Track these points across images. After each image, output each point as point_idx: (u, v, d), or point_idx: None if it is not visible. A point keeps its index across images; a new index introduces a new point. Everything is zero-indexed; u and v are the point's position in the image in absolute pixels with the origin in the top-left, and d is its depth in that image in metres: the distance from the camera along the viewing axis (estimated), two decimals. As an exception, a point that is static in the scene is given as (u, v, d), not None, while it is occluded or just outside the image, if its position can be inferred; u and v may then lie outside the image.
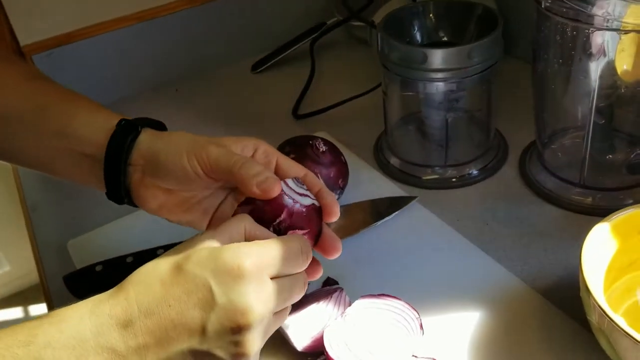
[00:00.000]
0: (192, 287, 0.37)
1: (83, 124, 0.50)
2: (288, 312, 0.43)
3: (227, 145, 0.47)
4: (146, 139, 0.48)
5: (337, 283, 0.58)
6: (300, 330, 0.50)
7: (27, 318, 1.94)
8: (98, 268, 0.60)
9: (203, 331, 0.37)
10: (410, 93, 0.70)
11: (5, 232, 1.85)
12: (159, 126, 0.51)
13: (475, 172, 0.70)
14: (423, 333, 0.49)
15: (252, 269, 0.37)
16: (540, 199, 0.67)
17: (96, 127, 0.50)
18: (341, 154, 0.67)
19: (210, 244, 0.39)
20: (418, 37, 0.70)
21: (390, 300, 0.51)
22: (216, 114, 0.89)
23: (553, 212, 0.65)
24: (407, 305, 0.51)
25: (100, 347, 0.36)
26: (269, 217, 0.43)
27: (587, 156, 0.62)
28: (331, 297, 0.53)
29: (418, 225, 0.65)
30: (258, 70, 0.97)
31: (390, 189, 0.70)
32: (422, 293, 0.55)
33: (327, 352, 0.48)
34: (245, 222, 0.42)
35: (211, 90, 0.95)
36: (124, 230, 0.68)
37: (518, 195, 0.68)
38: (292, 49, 0.97)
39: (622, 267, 0.52)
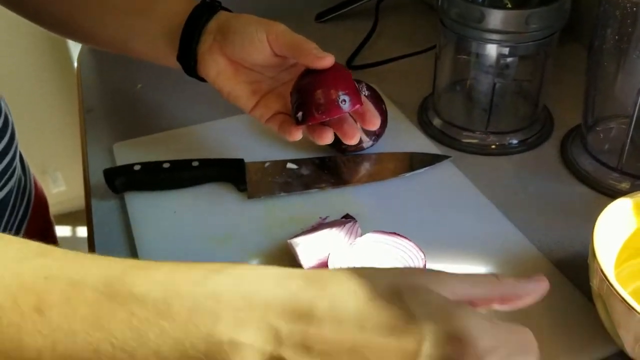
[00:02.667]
0: (403, 326, 0.29)
1: (166, 2, 0.59)
2: None
3: None
4: (224, 13, 0.57)
5: (355, 221, 0.60)
6: (309, 250, 0.52)
7: (74, 238, 2.05)
8: (136, 167, 0.64)
9: None
10: (464, 56, 0.70)
11: (65, 156, 1.95)
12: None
13: (515, 142, 0.70)
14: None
15: (484, 355, 0.28)
16: (575, 179, 0.66)
17: (180, 6, 0.58)
18: (383, 102, 0.68)
19: (443, 289, 0.31)
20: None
21: (399, 239, 0.53)
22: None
23: (586, 193, 0.65)
24: (415, 246, 0.52)
25: (266, 322, 0.29)
26: (328, 83, 0.53)
27: (629, 141, 0.61)
28: (344, 226, 0.54)
29: (447, 183, 0.65)
30: (322, 20, 0.99)
31: (427, 146, 0.71)
32: (434, 243, 0.56)
33: (330, 273, 0.49)
34: (504, 283, 0.35)
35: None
36: (166, 142, 0.72)
37: (554, 173, 0.68)
38: (359, 3, 0.98)
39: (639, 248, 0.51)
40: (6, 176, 0.60)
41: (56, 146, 1.93)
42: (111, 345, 0.29)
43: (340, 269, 0.32)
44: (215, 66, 0.56)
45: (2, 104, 0.61)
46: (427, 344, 0.28)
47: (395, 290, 0.30)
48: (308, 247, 0.52)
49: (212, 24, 0.56)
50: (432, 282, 0.31)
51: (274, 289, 0.30)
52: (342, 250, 0.51)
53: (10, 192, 0.63)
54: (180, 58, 0.58)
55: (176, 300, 0.29)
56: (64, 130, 1.89)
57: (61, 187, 2.11)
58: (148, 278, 0.30)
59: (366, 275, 0.31)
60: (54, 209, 1.62)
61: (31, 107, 1.71)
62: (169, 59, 0.59)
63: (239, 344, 0.29)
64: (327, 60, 0.52)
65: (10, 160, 0.61)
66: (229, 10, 0.59)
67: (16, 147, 0.63)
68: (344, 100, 0.53)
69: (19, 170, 0.66)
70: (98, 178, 0.66)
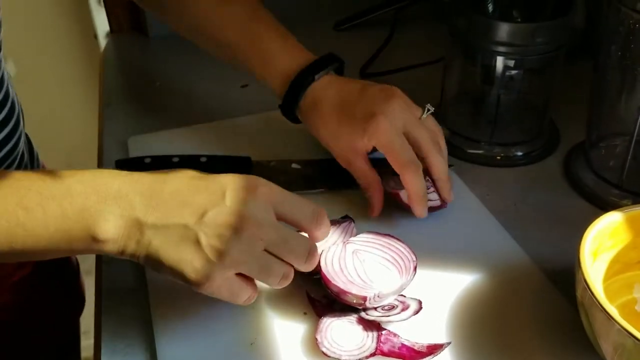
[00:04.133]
0: (211, 184, 0.44)
1: (274, 65, 0.64)
2: (280, 272, 0.47)
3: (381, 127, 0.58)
4: (316, 87, 0.63)
5: (351, 220, 0.61)
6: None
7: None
8: (147, 160, 0.66)
9: (202, 216, 0.43)
10: (471, 67, 0.71)
11: (88, 151, 2.00)
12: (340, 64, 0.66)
13: (520, 154, 0.71)
14: (414, 275, 0.51)
15: (264, 193, 0.45)
16: (575, 192, 0.66)
17: (288, 64, 0.64)
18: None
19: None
20: (490, 11, 0.71)
21: (392, 241, 0.54)
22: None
23: (585, 207, 0.65)
24: (407, 248, 0.53)
25: (121, 196, 0.43)
26: None
27: (630, 159, 0.62)
28: (339, 225, 0.56)
29: (447, 190, 0.66)
30: (340, 28, 1.01)
31: (432, 155, 0.72)
32: (429, 248, 0.57)
33: (321, 269, 0.51)
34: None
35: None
36: (178, 138, 0.74)
37: (555, 186, 0.68)
38: (377, 13, 0.99)
39: (630, 263, 0.52)
40: (7, 162, 0.62)
41: (79, 140, 1.98)
42: (7, 222, 0.41)
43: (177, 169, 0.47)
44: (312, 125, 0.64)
45: (10, 90, 0.62)
46: (227, 192, 0.44)
47: (211, 176, 0.46)
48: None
49: (304, 100, 0.63)
50: (260, 184, 0.45)
51: (126, 178, 0.44)
52: (335, 248, 0.53)
53: None
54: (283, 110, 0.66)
55: (53, 186, 0.42)
56: (87, 124, 1.93)
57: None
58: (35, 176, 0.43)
59: (201, 176, 0.46)
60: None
61: (54, 103, 1.76)
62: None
63: (103, 211, 0.42)
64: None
65: (13, 146, 0.62)
66: (339, 63, 0.67)
67: (20, 134, 0.64)
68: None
69: (25, 160, 0.67)
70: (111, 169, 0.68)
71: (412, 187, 0.57)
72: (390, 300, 0.50)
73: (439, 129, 0.62)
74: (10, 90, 0.62)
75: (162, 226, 0.43)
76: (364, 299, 0.49)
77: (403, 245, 0.53)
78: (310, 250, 0.48)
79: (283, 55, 0.64)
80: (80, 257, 0.81)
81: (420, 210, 0.58)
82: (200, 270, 0.42)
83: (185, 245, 0.42)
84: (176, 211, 0.43)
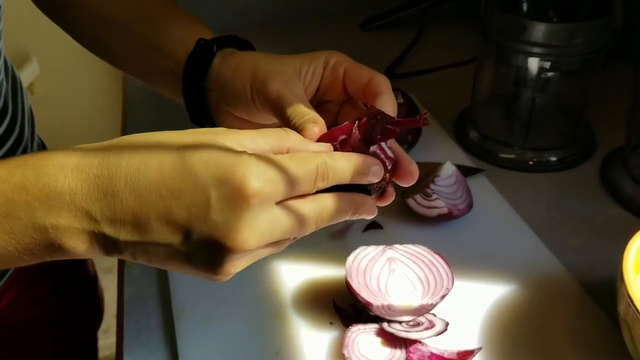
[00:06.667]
0: (190, 187, 0.32)
1: (173, 41, 0.49)
2: (289, 243, 0.37)
3: (296, 68, 0.44)
4: (218, 63, 0.47)
5: (381, 228, 0.59)
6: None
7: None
8: (169, 162, 0.65)
9: (188, 235, 0.33)
10: (504, 68, 0.69)
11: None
12: (245, 45, 0.50)
13: (554, 159, 0.68)
14: (440, 301, 0.49)
15: (257, 195, 0.32)
16: (613, 200, 0.64)
17: (182, 43, 0.49)
18: (418, 111, 0.68)
19: (232, 143, 0.34)
20: (525, 10, 0.68)
21: (438, 262, 0.51)
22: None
23: (624, 216, 0.62)
24: (449, 274, 0.50)
25: (75, 205, 0.32)
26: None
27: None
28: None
29: (477, 196, 0.64)
30: (366, 28, 0.99)
31: (462, 159, 0.70)
32: (461, 257, 0.55)
33: (348, 282, 0.49)
34: (291, 136, 0.37)
35: (318, 37, 0.98)
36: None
37: (592, 194, 0.65)
38: (404, 12, 0.97)
39: (675, 277, 0.49)
40: None
41: (102, 140, 1.99)
42: None
43: (129, 139, 0.34)
44: (226, 120, 0.47)
45: (10, 103, 0.57)
46: (213, 200, 0.32)
47: (181, 154, 0.33)
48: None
49: (211, 80, 0.47)
50: (219, 138, 0.34)
51: (76, 174, 0.33)
52: (372, 249, 0.51)
53: None
54: (192, 117, 0.50)
55: None
56: (111, 124, 1.94)
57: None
58: None
59: (154, 144, 0.34)
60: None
61: (78, 103, 1.77)
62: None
63: (60, 227, 0.33)
64: (309, 135, 0.39)
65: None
66: (238, 41, 0.49)
67: (25, 147, 0.60)
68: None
69: None
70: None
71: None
72: (409, 317, 0.48)
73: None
74: (10, 103, 0.57)
75: (139, 243, 0.33)
76: (369, 304, 0.47)
77: (447, 270, 0.50)
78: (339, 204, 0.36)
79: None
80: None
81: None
82: (210, 279, 0.35)
83: (179, 263, 0.34)
84: (151, 228, 0.33)
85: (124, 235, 0.33)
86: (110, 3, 0.54)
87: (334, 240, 0.58)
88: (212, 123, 0.49)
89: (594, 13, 0.63)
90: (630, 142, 0.65)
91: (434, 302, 0.48)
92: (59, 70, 1.61)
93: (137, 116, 0.80)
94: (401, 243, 0.53)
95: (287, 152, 0.36)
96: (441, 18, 1.00)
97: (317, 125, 0.39)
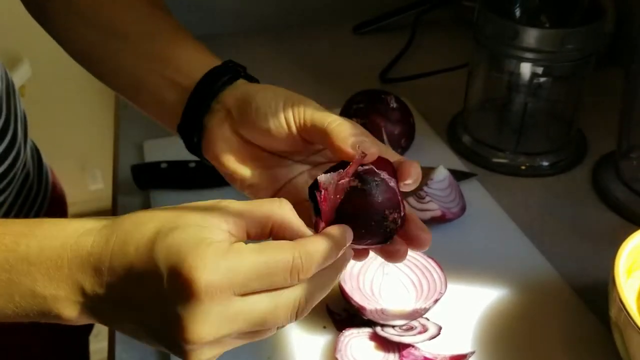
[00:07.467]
0: (151, 273, 0.33)
1: (186, 57, 0.48)
2: (269, 333, 0.36)
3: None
4: (244, 83, 0.46)
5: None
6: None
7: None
8: (163, 165, 0.65)
9: (148, 324, 0.34)
10: (496, 74, 0.69)
11: (103, 153, 2.00)
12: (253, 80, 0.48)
13: (546, 164, 0.69)
14: (433, 305, 0.49)
15: (207, 288, 0.31)
16: (605, 205, 0.64)
17: (198, 63, 0.47)
18: (411, 115, 0.68)
19: (215, 221, 0.34)
20: (518, 16, 0.69)
21: (432, 266, 0.51)
22: (308, 64, 0.92)
23: (615, 220, 0.63)
24: (442, 278, 0.50)
25: (72, 279, 0.35)
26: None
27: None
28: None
29: (470, 200, 0.64)
30: (359, 32, 0.99)
31: (454, 163, 0.70)
32: (454, 261, 0.55)
33: (341, 286, 0.49)
34: (283, 211, 0.35)
35: (309, 41, 0.98)
36: (195, 143, 0.73)
37: (584, 198, 0.66)
38: (397, 17, 0.98)
39: (666, 281, 0.49)
40: (6, 179, 0.58)
41: (94, 143, 1.98)
42: None
43: (130, 218, 0.36)
44: (225, 145, 0.45)
45: (3, 107, 0.57)
46: (167, 292, 0.32)
47: (155, 236, 0.34)
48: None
49: (228, 95, 0.45)
50: (206, 216, 0.35)
51: (74, 249, 0.35)
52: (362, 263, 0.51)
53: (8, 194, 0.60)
54: (181, 128, 0.47)
55: None
56: (104, 127, 1.93)
57: (99, 184, 2.15)
58: None
59: (145, 222, 0.35)
60: (92, 205, 1.64)
61: (70, 105, 1.76)
62: (172, 123, 0.48)
63: (59, 298, 0.35)
64: (366, 152, 0.37)
65: (9, 166, 0.58)
66: (256, 80, 0.48)
67: (18, 151, 0.60)
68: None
69: (31, 176, 0.64)
70: (126, 174, 0.67)
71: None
72: (402, 321, 0.48)
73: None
74: (3, 104, 0.57)
75: (118, 320, 0.36)
76: (363, 308, 0.47)
77: (440, 274, 0.50)
78: (301, 303, 0.34)
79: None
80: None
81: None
82: None
83: (156, 341, 0.35)
84: (122, 308, 0.35)
85: (107, 310, 0.35)
86: (111, 11, 0.52)
87: (327, 244, 0.58)
88: (199, 139, 0.46)
89: (586, 19, 0.64)
90: (622, 147, 0.66)
91: (427, 306, 0.48)
92: (50, 72, 1.60)
93: (129, 119, 0.80)
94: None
95: (271, 229, 0.35)
96: (434, 23, 1.01)
97: (374, 146, 0.38)
